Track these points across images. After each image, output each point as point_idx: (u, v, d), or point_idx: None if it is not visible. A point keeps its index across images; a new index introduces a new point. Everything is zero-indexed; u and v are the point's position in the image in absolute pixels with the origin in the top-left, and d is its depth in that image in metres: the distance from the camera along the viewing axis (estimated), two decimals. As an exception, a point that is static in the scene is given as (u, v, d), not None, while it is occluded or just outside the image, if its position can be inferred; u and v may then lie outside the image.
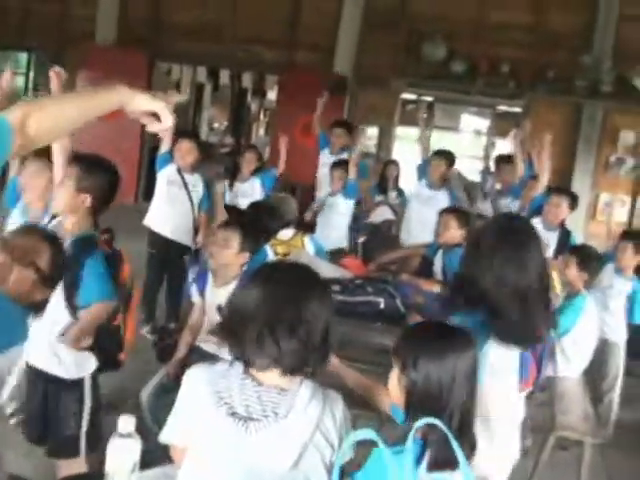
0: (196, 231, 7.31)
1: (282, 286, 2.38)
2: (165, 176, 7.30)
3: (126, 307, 3.92)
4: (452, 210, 6.58)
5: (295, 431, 2.28)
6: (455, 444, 2.19)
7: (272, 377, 2.33)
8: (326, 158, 8.89)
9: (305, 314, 2.33)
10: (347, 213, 8.18)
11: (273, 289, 2.37)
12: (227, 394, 2.30)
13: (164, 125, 2.15)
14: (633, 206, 11.48)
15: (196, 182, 7.40)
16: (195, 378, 2.39)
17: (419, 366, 2.44)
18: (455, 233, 6.20)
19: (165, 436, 2.41)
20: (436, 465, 2.28)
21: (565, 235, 6.94)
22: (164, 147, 7.31)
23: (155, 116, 2.13)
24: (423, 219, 6.93)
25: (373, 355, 7.10)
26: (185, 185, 7.27)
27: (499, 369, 3.03)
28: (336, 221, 8.06)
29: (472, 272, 3.12)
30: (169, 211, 7.29)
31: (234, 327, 2.36)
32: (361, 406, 5.38)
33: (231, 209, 6.42)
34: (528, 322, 3.01)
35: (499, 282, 3.01)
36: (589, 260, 5.52)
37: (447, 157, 8.20)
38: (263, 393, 2.30)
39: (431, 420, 2.19)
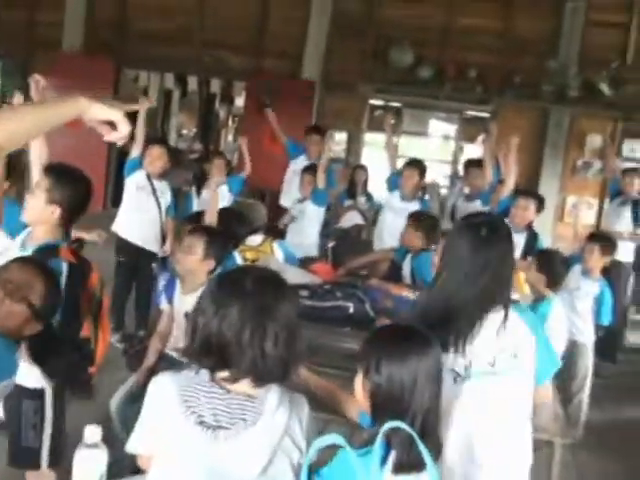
0: (164, 238, 7.29)
1: (251, 296, 2.34)
2: (134, 182, 7.27)
3: (96, 317, 3.88)
4: (413, 214, 6.64)
5: (264, 438, 2.27)
6: (421, 445, 2.19)
7: (240, 385, 2.32)
8: (300, 166, 8.85)
9: (274, 324, 2.31)
10: (317, 220, 8.18)
11: (242, 300, 2.33)
12: (195, 402, 2.28)
13: (120, 134, 2.16)
14: (600, 208, 11.57)
15: (164, 189, 7.38)
16: (161, 386, 2.36)
17: (381, 369, 2.45)
18: (412, 236, 6.28)
19: (132, 446, 2.37)
20: (401, 467, 2.28)
21: (532, 237, 6.98)
22: (134, 153, 7.29)
23: (112, 125, 2.14)
24: (395, 231, 6.94)
25: (343, 360, 7.10)
26: (154, 191, 7.24)
27: None
28: (307, 229, 8.06)
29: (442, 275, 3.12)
30: (137, 218, 7.26)
31: (203, 340, 2.34)
32: (332, 411, 5.38)
33: (199, 215, 6.39)
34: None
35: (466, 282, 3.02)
36: (550, 264, 5.55)
37: (419, 167, 8.21)
38: (231, 401, 2.29)
39: (396, 423, 2.19)
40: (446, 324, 2.94)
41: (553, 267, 5.54)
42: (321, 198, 8.07)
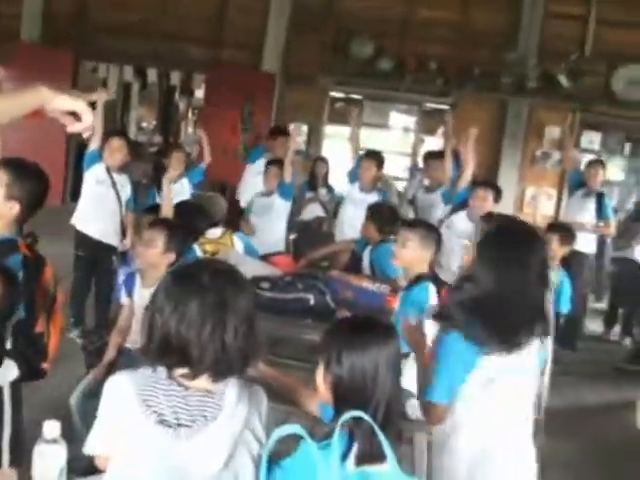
0: (124, 232, 7.23)
1: (210, 291, 2.30)
2: (93, 175, 7.19)
3: (49, 312, 3.84)
4: (370, 206, 6.68)
5: (224, 433, 2.26)
6: (382, 437, 2.20)
7: (199, 381, 2.31)
8: (261, 166, 8.83)
9: (233, 317, 2.29)
10: (284, 215, 8.15)
11: (200, 295, 2.30)
12: (154, 402, 2.25)
13: (84, 125, 2.14)
14: (559, 199, 11.68)
15: (124, 182, 7.32)
16: (118, 386, 2.32)
17: (342, 359, 2.45)
18: (368, 227, 6.33)
19: (89, 446, 2.33)
20: (363, 458, 2.29)
21: None
22: (93, 145, 7.21)
23: (75, 115, 2.11)
24: (355, 222, 6.96)
25: (305, 352, 7.13)
26: (113, 185, 7.18)
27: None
28: (275, 224, 8.02)
29: (475, 275, 3.15)
30: (97, 211, 7.19)
31: (161, 339, 2.31)
32: (293, 403, 5.39)
33: (158, 208, 6.35)
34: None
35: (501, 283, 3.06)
36: None
37: (376, 159, 8.24)
38: (190, 398, 2.27)
39: (356, 413, 2.20)
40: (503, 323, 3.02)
41: None
42: (288, 192, 8.04)
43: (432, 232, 4.91)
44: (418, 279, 4.65)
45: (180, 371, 2.29)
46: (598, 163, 9.29)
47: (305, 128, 12.35)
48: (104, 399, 2.33)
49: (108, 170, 7.15)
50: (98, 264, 7.28)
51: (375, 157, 8.24)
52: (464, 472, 3.10)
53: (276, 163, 8.13)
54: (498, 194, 7.16)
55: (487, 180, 7.86)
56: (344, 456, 2.25)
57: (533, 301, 3.13)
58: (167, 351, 2.28)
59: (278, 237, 8.04)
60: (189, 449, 2.22)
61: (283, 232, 8.18)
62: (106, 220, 7.19)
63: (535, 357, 3.18)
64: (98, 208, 7.18)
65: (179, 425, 2.22)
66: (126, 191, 7.29)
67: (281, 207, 8.05)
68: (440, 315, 3.21)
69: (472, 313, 3.04)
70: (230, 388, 2.33)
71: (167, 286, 2.38)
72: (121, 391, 2.29)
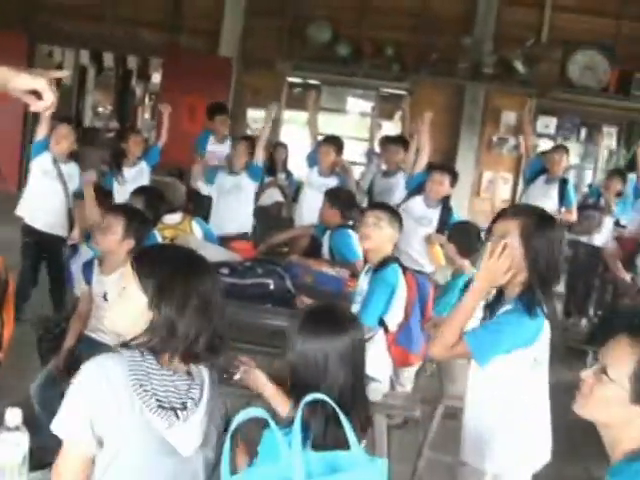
0: (72, 224, 7.04)
1: (177, 273, 2.33)
2: (38, 166, 6.97)
3: (1, 301, 3.79)
4: (329, 191, 6.70)
5: (204, 412, 2.30)
6: (344, 421, 2.22)
7: (181, 364, 2.33)
8: (216, 148, 8.82)
9: (205, 298, 2.33)
10: (252, 195, 8.10)
11: (169, 276, 2.32)
12: (149, 386, 2.24)
13: (46, 103, 2.12)
14: (515, 184, 11.79)
15: (72, 172, 7.12)
16: (108, 370, 2.26)
17: (296, 346, 2.50)
18: (329, 212, 6.34)
19: (62, 429, 2.24)
20: (319, 442, 2.32)
21: (447, 211, 7.08)
22: (40, 134, 6.96)
23: (37, 95, 2.10)
24: (315, 206, 6.96)
25: (266, 337, 7.15)
26: (60, 176, 6.98)
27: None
28: (242, 204, 7.96)
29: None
30: (42, 204, 6.94)
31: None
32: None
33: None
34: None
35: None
36: (463, 235, 5.61)
37: (335, 143, 8.25)
38: (178, 381, 2.29)
39: (317, 396, 2.23)
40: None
41: (466, 238, 5.60)
42: (257, 173, 8.00)
43: (396, 213, 4.96)
44: (386, 261, 4.68)
45: (164, 355, 2.30)
46: (562, 149, 9.30)
47: (262, 113, 12.32)
48: (83, 383, 2.26)
49: (55, 161, 6.93)
50: (47, 254, 7.15)
51: (334, 142, 8.25)
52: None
53: (246, 141, 8.08)
54: (454, 178, 7.20)
55: (444, 164, 7.90)
56: (305, 441, 2.28)
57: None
58: (147, 331, 2.30)
59: (246, 217, 8.01)
60: (182, 431, 2.24)
61: (250, 214, 8.14)
62: (51, 213, 6.95)
63: None
64: (43, 201, 6.96)
65: (173, 409, 2.24)
66: (74, 181, 7.10)
67: (249, 187, 8.01)
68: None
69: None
70: (203, 369, 2.36)
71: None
72: (110, 375, 2.24)
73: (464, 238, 5.58)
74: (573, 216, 8.96)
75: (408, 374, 5.17)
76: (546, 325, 3.15)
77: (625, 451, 2.17)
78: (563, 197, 8.82)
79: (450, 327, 3.12)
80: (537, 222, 3.21)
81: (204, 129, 9.48)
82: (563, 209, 8.83)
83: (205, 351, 2.33)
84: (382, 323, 4.58)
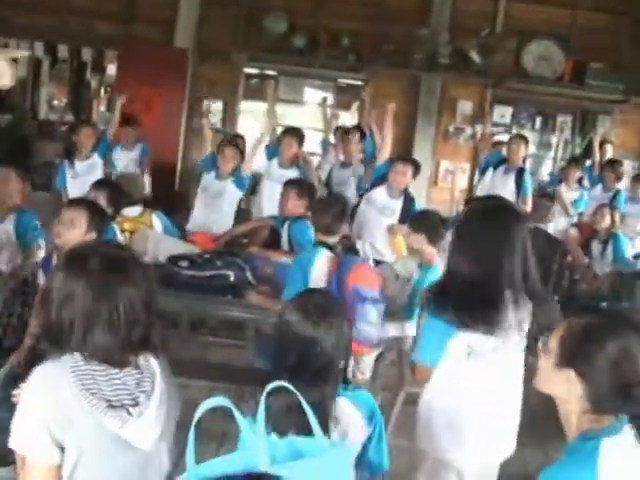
0: None
1: (96, 276, 2.34)
2: None
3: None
4: (293, 182, 6.71)
5: (160, 404, 2.30)
6: (308, 410, 2.23)
7: (125, 359, 2.34)
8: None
9: (119, 304, 2.33)
10: (236, 201, 7.96)
11: (87, 280, 2.33)
12: (96, 388, 2.25)
13: (3, 81, 2.11)
14: (472, 173, 11.88)
15: None
16: (52, 379, 2.27)
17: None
18: (296, 203, 6.34)
19: (18, 445, 2.26)
20: (279, 428, 2.34)
21: (409, 202, 7.13)
22: None
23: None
24: (274, 198, 6.97)
25: (229, 329, 7.17)
26: None
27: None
28: (225, 208, 7.80)
29: (457, 258, 3.23)
30: None
31: (65, 323, 2.32)
32: (218, 379, 5.41)
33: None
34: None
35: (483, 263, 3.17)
36: (428, 222, 5.62)
37: (297, 135, 8.26)
38: (126, 377, 2.29)
39: (279, 384, 2.24)
40: (480, 305, 3.15)
41: (434, 226, 5.62)
42: (244, 184, 7.91)
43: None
44: None
45: (107, 355, 2.31)
46: (520, 138, 9.38)
47: (219, 105, 12.28)
48: (31, 396, 2.26)
49: None
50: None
51: (296, 133, 8.26)
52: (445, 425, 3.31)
53: (233, 143, 8.01)
54: (417, 169, 7.26)
55: (406, 155, 7.94)
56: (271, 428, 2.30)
57: (504, 282, 3.21)
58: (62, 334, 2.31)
59: (228, 221, 7.75)
60: (137, 426, 2.24)
61: (232, 217, 7.90)
62: None
63: (518, 338, 3.30)
64: None
65: (124, 406, 2.24)
66: None
67: (235, 194, 7.86)
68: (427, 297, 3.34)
69: (444, 295, 3.22)
70: (152, 360, 2.36)
71: (59, 270, 2.40)
72: (58, 384, 2.25)
73: (432, 227, 5.60)
74: (528, 206, 9.04)
75: (368, 361, 5.21)
76: None
77: (577, 429, 2.22)
78: (519, 187, 8.90)
79: None
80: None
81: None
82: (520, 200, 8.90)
83: (141, 344, 2.33)
84: None
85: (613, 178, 10.00)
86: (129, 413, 2.23)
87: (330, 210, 4.89)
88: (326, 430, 2.47)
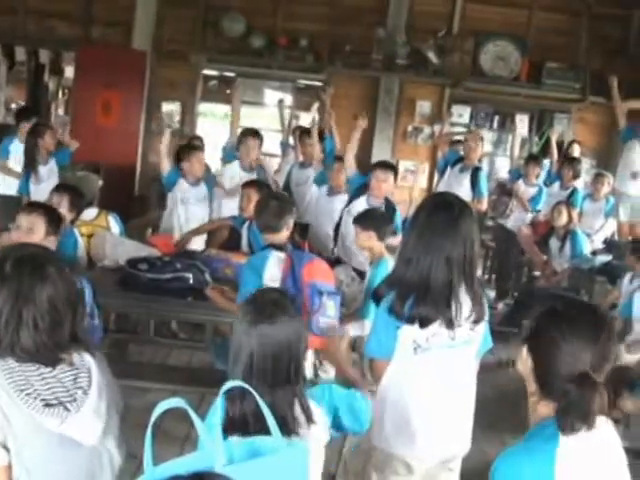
0: None
1: (8, 280, 2.36)
2: None
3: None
4: (252, 183, 6.72)
5: (99, 399, 2.30)
6: (265, 409, 2.25)
7: (66, 355, 2.34)
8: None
9: (33, 309, 2.34)
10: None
11: (11, 283, 2.35)
12: (30, 388, 2.25)
13: None
14: (431, 173, 11.95)
15: None
16: None
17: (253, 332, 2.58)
18: (250, 205, 6.35)
19: None
20: (235, 427, 2.35)
21: (391, 210, 7.08)
22: None
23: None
24: (235, 199, 6.96)
25: (189, 331, 7.16)
26: None
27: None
28: (203, 212, 7.70)
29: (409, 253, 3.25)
30: None
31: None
32: (179, 382, 5.40)
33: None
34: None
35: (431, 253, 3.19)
36: (375, 222, 5.62)
37: (259, 137, 8.24)
38: (60, 375, 2.29)
39: (234, 384, 2.24)
40: (426, 299, 3.16)
41: (382, 222, 5.64)
42: (213, 181, 7.98)
43: None
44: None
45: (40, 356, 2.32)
46: (476, 135, 9.42)
47: (177, 106, 12.22)
48: None
49: None
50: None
51: (257, 135, 8.24)
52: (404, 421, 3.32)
53: (196, 149, 7.96)
54: (396, 174, 7.29)
55: (386, 161, 7.92)
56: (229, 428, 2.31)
57: (453, 275, 3.22)
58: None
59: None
60: (77, 422, 2.24)
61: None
62: None
63: (469, 335, 3.34)
64: None
65: (62, 403, 2.24)
66: None
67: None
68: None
69: (391, 288, 3.26)
70: (86, 356, 2.37)
71: None
72: None
73: (379, 223, 5.63)
74: (483, 205, 9.10)
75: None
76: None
77: (540, 415, 2.26)
78: (474, 186, 8.94)
79: None
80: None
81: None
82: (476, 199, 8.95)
83: (70, 341, 2.35)
84: None
85: (571, 176, 10.10)
86: (67, 409, 2.24)
87: (268, 208, 4.88)
88: (291, 430, 2.48)
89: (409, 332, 3.19)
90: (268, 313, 2.55)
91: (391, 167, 7.33)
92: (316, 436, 2.61)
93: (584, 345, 2.21)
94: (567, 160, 10.54)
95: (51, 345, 2.33)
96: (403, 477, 3.35)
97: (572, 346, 2.20)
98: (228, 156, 8.33)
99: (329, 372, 5.26)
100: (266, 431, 2.25)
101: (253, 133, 8.29)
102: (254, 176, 7.76)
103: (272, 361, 2.52)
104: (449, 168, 9.23)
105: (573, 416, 2.13)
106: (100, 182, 8.34)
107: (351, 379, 3.22)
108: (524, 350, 2.30)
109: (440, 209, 3.28)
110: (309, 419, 2.51)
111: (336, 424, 2.78)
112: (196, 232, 7.18)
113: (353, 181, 7.38)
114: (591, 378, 2.17)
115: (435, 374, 3.30)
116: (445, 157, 9.59)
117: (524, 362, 2.30)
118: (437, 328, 3.21)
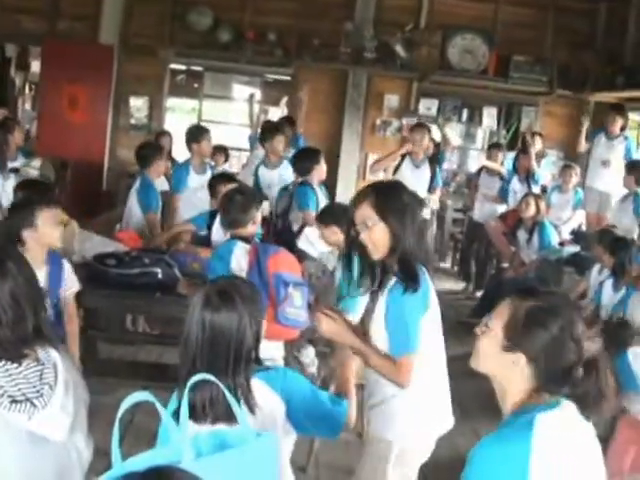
0: None
1: None
2: None
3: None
4: (223, 176, 6.72)
5: (66, 394, 2.29)
6: (232, 400, 2.25)
7: (30, 352, 2.33)
8: None
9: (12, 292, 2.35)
10: None
11: None
12: None
13: None
14: (398, 165, 11.99)
15: None
16: None
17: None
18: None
19: None
20: (199, 416, 2.36)
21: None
22: None
23: None
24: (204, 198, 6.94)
25: (159, 326, 7.14)
26: None
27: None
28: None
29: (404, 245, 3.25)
30: None
31: None
32: (149, 378, 5.39)
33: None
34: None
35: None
36: (336, 216, 5.62)
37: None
38: (26, 371, 2.28)
39: (202, 376, 2.25)
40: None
41: (338, 216, 5.63)
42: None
43: None
44: None
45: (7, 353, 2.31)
46: (422, 127, 9.28)
47: (145, 101, 12.16)
48: None
49: None
50: None
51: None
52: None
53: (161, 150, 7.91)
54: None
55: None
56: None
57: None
58: None
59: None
60: (45, 418, 2.23)
61: None
62: None
63: None
64: None
65: (29, 399, 2.22)
66: None
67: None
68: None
69: None
70: (52, 352, 2.36)
71: None
72: None
73: (340, 217, 5.61)
74: (434, 197, 9.05)
75: (308, 355, 5.21)
76: (432, 292, 3.31)
77: (513, 405, 2.27)
78: (433, 178, 8.96)
79: (380, 368, 3.25)
80: (385, 193, 3.34)
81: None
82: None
83: (35, 337, 2.34)
84: None
85: (525, 167, 10.17)
86: (34, 405, 2.23)
87: (234, 204, 4.88)
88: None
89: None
90: (213, 301, 2.55)
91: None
92: (269, 424, 2.58)
93: (579, 330, 2.24)
94: (522, 151, 10.60)
95: (14, 340, 2.32)
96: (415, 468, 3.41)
97: (571, 335, 2.22)
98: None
99: (311, 367, 5.24)
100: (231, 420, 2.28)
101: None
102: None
103: (210, 348, 2.51)
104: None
105: (588, 400, 2.18)
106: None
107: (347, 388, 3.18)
108: (518, 358, 2.24)
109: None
110: (251, 410, 2.48)
111: (294, 419, 2.75)
112: (161, 240, 7.07)
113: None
114: (596, 360, 2.21)
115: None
116: None
117: (516, 368, 2.25)
118: None
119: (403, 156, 9.05)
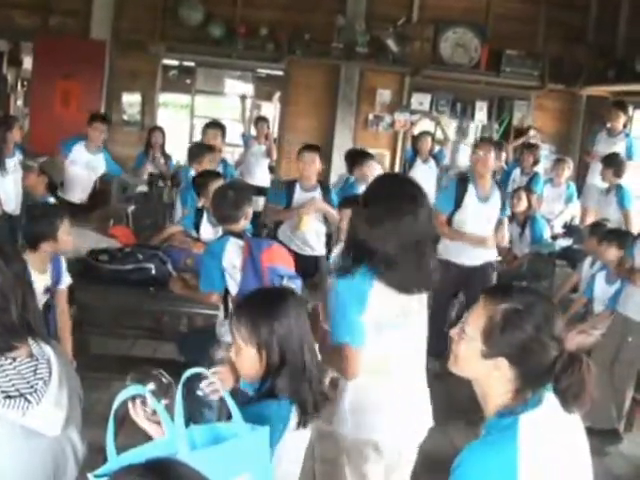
0: None
1: None
2: None
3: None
4: (208, 173, 6.73)
5: (60, 389, 2.30)
6: (226, 395, 2.27)
7: (21, 348, 2.34)
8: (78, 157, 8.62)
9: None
10: None
11: None
12: None
13: None
14: (393, 160, 12.02)
15: None
16: None
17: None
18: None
19: None
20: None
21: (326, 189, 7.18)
22: None
23: None
24: None
25: (152, 322, 7.14)
26: None
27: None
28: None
29: (362, 232, 3.25)
30: None
31: None
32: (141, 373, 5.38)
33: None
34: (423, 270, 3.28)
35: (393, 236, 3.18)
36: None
37: (222, 128, 8.19)
38: (20, 367, 2.29)
39: (194, 371, 2.26)
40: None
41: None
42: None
43: None
44: None
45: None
46: (426, 135, 9.44)
47: (137, 97, 12.14)
48: None
49: None
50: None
51: (221, 127, 8.19)
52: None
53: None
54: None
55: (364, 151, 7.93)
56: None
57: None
58: None
59: None
60: (39, 413, 2.24)
61: None
62: None
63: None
64: None
65: (23, 395, 2.23)
66: None
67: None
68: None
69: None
70: (45, 347, 2.37)
71: None
72: None
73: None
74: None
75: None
76: (383, 290, 3.22)
77: (495, 406, 2.27)
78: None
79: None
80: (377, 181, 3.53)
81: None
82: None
83: (24, 330, 2.35)
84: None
85: (531, 162, 10.22)
86: (28, 401, 2.23)
87: (226, 201, 4.89)
88: None
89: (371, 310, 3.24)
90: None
91: (315, 148, 7.35)
92: None
93: (558, 325, 2.25)
94: (527, 146, 10.67)
95: (2, 333, 2.32)
96: (373, 464, 3.37)
97: (550, 332, 2.22)
98: None
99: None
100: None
101: (211, 125, 8.23)
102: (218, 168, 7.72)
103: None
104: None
105: (571, 394, 2.17)
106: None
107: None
108: (500, 362, 2.23)
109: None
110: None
111: None
112: (157, 239, 7.08)
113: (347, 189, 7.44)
114: (578, 355, 2.20)
115: (396, 351, 3.34)
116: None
117: (497, 372, 2.23)
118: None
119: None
